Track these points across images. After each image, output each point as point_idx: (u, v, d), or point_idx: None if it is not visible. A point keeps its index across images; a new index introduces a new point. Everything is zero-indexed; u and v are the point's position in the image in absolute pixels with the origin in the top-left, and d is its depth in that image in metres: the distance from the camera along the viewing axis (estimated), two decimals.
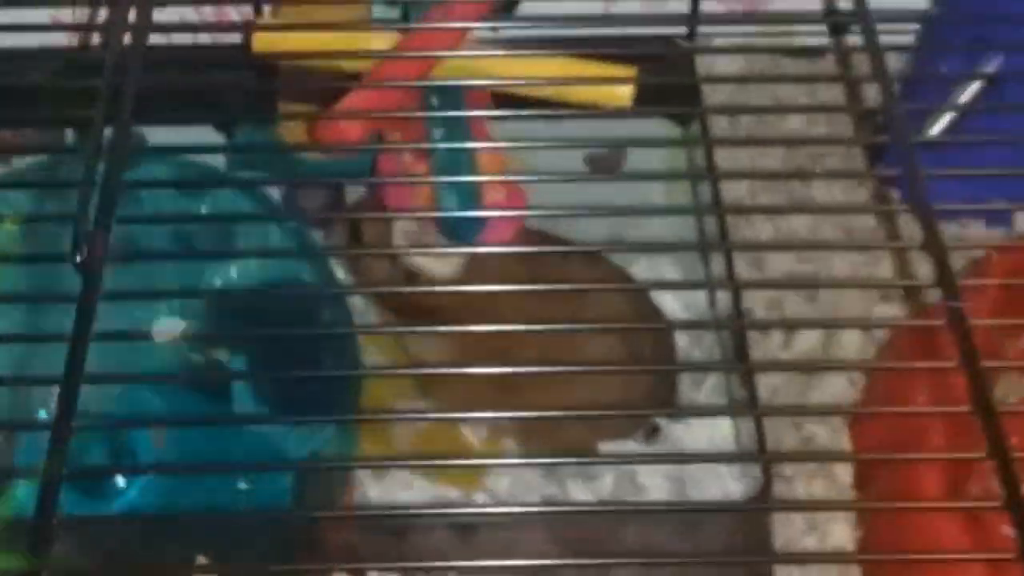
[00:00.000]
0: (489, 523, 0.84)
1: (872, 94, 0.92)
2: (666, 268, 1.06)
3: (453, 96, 0.84)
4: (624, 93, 0.83)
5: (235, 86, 0.93)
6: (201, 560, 0.75)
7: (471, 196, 0.86)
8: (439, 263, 0.88)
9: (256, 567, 0.72)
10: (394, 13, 0.92)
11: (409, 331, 0.96)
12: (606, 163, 1.06)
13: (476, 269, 0.88)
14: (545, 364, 0.85)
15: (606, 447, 0.93)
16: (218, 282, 0.93)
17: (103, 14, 0.99)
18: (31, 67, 0.95)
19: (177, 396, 0.88)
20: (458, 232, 0.86)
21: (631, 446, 0.94)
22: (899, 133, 0.64)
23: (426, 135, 0.85)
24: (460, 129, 0.85)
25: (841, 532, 0.81)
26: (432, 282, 0.89)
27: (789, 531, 0.81)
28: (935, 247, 0.60)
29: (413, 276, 0.90)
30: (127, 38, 0.72)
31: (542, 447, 0.94)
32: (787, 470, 0.83)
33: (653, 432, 0.94)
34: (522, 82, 0.81)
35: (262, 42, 0.86)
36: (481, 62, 0.81)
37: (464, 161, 0.84)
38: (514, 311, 0.78)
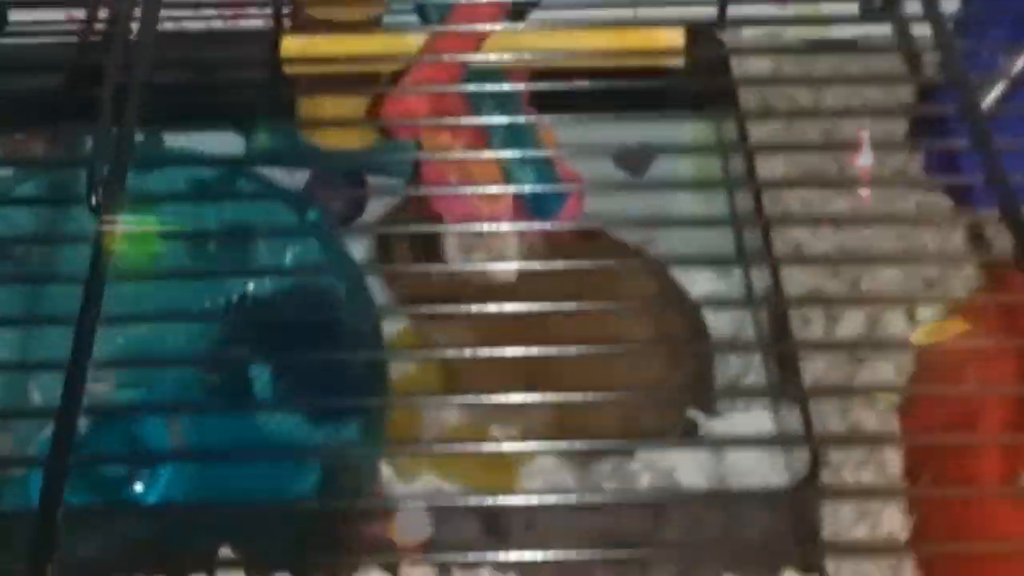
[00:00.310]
0: (522, 525, 0.81)
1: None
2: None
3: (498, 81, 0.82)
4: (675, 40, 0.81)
5: (250, 84, 0.91)
6: (225, 551, 0.72)
7: (547, 172, 0.83)
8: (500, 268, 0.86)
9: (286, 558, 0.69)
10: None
11: (430, 312, 0.91)
12: (636, 160, 1.04)
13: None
14: (581, 368, 0.82)
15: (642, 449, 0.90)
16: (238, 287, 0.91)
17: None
18: (41, 63, 0.93)
19: (199, 397, 0.87)
20: (540, 210, 0.84)
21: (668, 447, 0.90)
22: (956, 71, 0.61)
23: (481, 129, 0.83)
24: (513, 106, 0.83)
25: (893, 520, 0.77)
26: (490, 286, 0.86)
27: (838, 521, 0.77)
28: (1001, 182, 0.56)
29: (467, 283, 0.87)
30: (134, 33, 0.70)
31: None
32: (834, 459, 0.79)
33: (690, 429, 0.90)
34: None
35: (290, 47, 0.83)
36: (525, 37, 0.79)
37: (528, 138, 0.82)
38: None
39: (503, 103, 0.82)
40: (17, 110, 0.95)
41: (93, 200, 0.59)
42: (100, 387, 0.84)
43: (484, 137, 0.82)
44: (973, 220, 0.85)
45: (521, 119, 0.81)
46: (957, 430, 0.74)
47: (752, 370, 0.95)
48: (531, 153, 0.82)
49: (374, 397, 0.88)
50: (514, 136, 0.82)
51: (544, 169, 0.84)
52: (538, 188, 0.82)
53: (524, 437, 0.91)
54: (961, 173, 0.76)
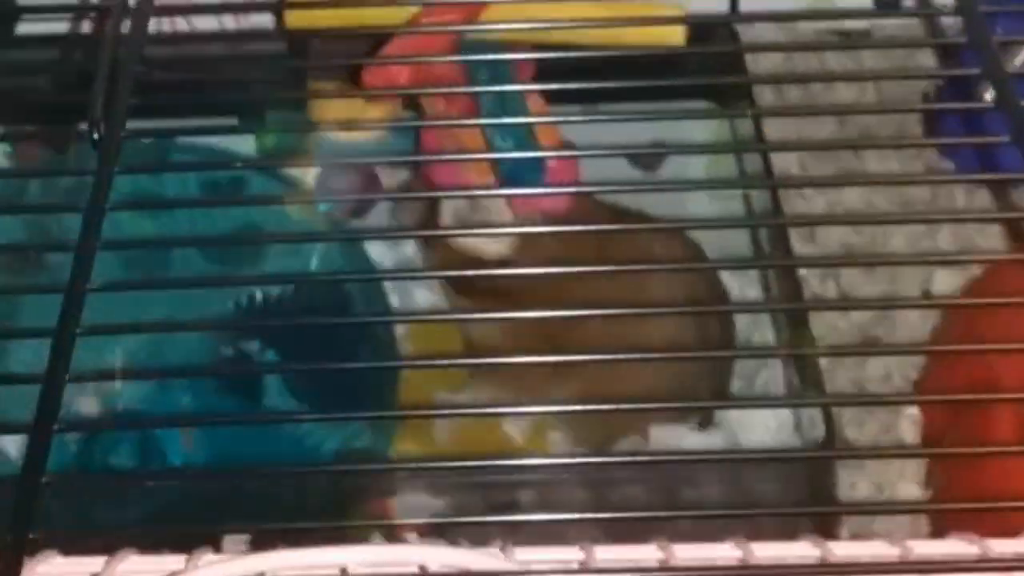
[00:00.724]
0: (532, 505, 0.79)
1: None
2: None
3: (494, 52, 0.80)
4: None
5: (244, 74, 0.90)
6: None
7: (525, 138, 0.82)
8: (490, 242, 0.85)
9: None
10: None
11: (457, 319, 0.91)
12: (649, 157, 1.03)
13: (535, 240, 0.85)
14: (604, 343, 0.81)
15: (657, 432, 0.89)
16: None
17: None
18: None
19: (207, 390, 0.87)
20: (517, 177, 0.82)
21: (683, 431, 0.89)
22: (979, 33, 0.59)
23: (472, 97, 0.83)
24: (506, 77, 0.82)
25: (909, 493, 0.75)
26: (483, 262, 0.85)
27: (854, 494, 0.75)
28: None
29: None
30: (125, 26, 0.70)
31: (590, 431, 0.89)
32: (849, 432, 0.77)
33: (706, 418, 0.89)
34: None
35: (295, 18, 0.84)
36: (525, 8, 0.78)
37: (513, 104, 0.81)
38: (575, 286, 0.73)
39: (496, 74, 0.81)
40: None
41: (95, 135, 0.59)
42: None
43: (476, 106, 0.81)
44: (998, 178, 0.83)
45: (507, 88, 0.81)
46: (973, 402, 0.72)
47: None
48: (516, 120, 0.82)
49: (383, 385, 0.88)
50: (501, 105, 0.81)
51: (524, 138, 0.82)
52: (517, 156, 0.82)
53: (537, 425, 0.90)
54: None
